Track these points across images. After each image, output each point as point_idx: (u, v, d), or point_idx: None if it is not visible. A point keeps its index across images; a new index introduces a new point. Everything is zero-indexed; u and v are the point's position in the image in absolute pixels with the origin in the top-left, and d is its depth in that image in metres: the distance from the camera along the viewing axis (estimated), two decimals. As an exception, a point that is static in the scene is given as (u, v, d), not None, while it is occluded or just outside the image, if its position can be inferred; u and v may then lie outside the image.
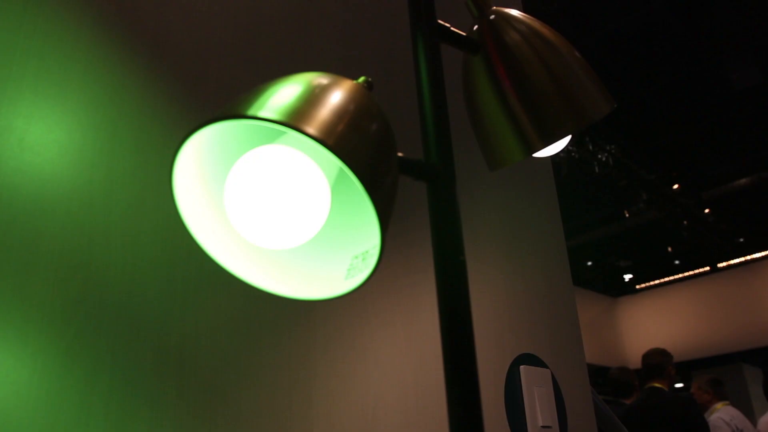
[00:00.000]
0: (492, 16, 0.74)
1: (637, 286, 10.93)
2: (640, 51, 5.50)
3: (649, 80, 5.83)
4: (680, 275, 10.45)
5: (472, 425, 0.49)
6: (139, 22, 0.84)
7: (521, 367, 1.16)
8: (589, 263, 9.82)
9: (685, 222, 8.24)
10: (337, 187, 0.56)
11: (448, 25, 0.68)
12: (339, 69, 0.59)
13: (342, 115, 0.45)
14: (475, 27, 0.74)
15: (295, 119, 0.42)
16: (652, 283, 10.80)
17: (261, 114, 0.42)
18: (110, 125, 0.77)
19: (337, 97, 0.47)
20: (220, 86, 0.91)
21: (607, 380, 3.52)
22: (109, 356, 0.69)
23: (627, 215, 8.29)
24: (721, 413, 3.57)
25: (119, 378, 0.69)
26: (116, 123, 0.78)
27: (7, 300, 0.63)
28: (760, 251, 9.69)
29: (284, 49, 1.03)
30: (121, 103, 0.79)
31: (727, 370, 9.55)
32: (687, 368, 10.25)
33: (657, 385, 3.15)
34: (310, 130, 0.42)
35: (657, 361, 3.20)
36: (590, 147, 6.49)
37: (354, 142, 0.44)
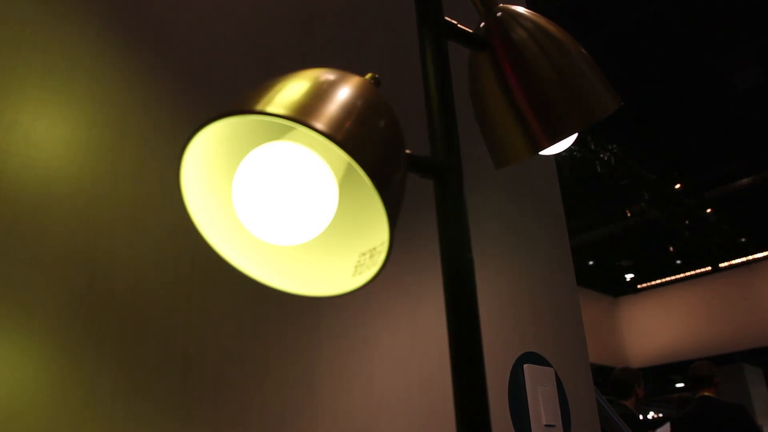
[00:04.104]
0: (499, 14, 0.73)
1: (639, 286, 10.92)
2: (643, 50, 5.49)
3: (652, 79, 5.82)
4: (681, 275, 10.44)
5: (479, 422, 0.49)
6: (144, 18, 0.84)
7: (525, 365, 1.16)
8: (591, 263, 9.82)
9: (686, 222, 8.23)
10: (344, 184, 0.56)
11: (454, 22, 0.68)
12: (345, 66, 0.58)
13: (350, 110, 0.45)
14: (482, 24, 0.74)
15: (303, 114, 0.42)
16: (653, 282, 10.79)
17: (269, 109, 0.42)
18: (116, 121, 0.77)
19: (344, 93, 0.47)
20: (225, 83, 0.90)
21: (609, 380, 3.52)
22: (115, 352, 0.69)
23: (629, 215, 8.28)
24: (661, 428, 3.79)
25: (124, 374, 0.68)
26: (122, 119, 0.77)
27: (13, 295, 0.63)
28: (761, 251, 9.68)
29: (290, 45, 1.03)
30: (126, 99, 0.79)
31: (727, 370, 9.55)
32: (688, 368, 10.22)
33: (707, 394, 3.45)
34: (319, 125, 0.42)
35: (705, 372, 3.52)
36: (592, 146, 6.48)
37: (362, 138, 0.44)
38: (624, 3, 4.98)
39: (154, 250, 0.76)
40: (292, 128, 0.52)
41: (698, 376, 3.54)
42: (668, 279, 10.63)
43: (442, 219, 0.55)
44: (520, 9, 0.75)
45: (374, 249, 0.50)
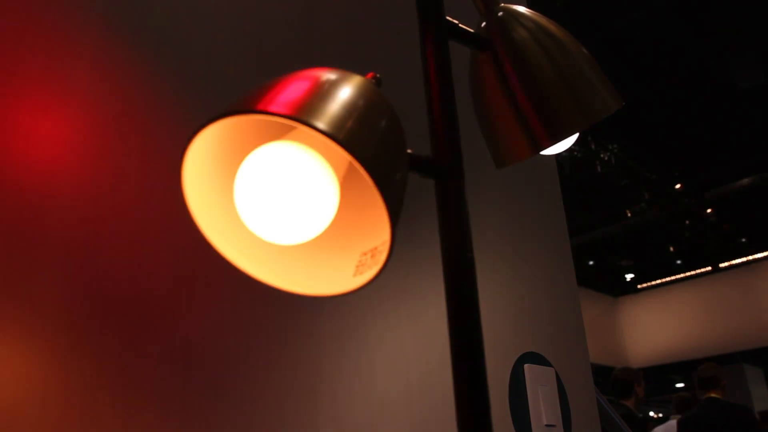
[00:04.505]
0: (500, 13, 0.73)
1: (639, 286, 10.93)
2: (644, 50, 5.49)
3: (653, 80, 5.82)
4: (682, 275, 10.44)
5: (480, 422, 0.49)
6: (145, 18, 0.84)
7: (526, 365, 1.16)
8: (591, 263, 9.82)
9: (687, 222, 8.23)
10: (346, 183, 0.56)
11: (456, 21, 0.68)
12: (346, 65, 0.58)
13: (351, 110, 0.45)
14: (483, 24, 0.74)
15: (305, 114, 0.42)
16: (653, 282, 10.79)
17: (271, 109, 0.42)
18: (116, 121, 0.77)
19: (346, 92, 0.47)
20: (227, 83, 0.90)
21: (610, 380, 3.53)
22: (115, 352, 0.68)
23: (629, 215, 8.29)
24: (661, 426, 3.85)
25: (126, 373, 0.68)
26: (122, 119, 0.77)
27: (14, 296, 0.63)
28: (761, 251, 9.68)
29: (291, 45, 1.03)
30: (127, 99, 0.79)
31: (727, 370, 9.53)
32: (688, 368, 10.22)
33: (714, 395, 3.50)
34: (320, 125, 0.42)
35: (711, 374, 3.57)
36: (593, 146, 6.49)
37: (364, 137, 0.44)
38: (624, 3, 4.98)
39: (154, 250, 0.75)
40: (293, 128, 0.52)
41: (704, 378, 3.60)
42: (668, 279, 10.63)
43: (443, 219, 0.55)
44: (521, 9, 0.75)
45: (375, 249, 0.50)
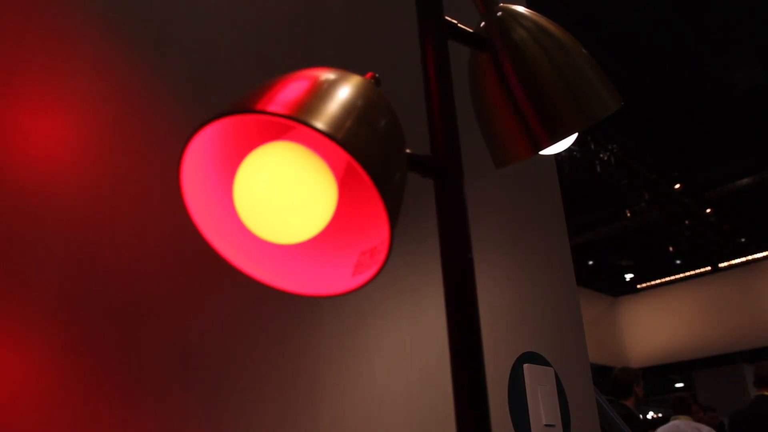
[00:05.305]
0: (499, 13, 0.73)
1: (638, 286, 10.93)
2: (643, 50, 5.49)
3: (652, 79, 5.82)
4: (681, 275, 10.45)
5: (479, 422, 0.49)
6: (145, 17, 0.84)
7: (525, 365, 1.16)
8: (591, 263, 9.82)
9: (686, 222, 8.24)
10: (345, 183, 0.56)
11: (455, 21, 0.68)
12: (346, 65, 0.58)
13: (351, 110, 0.45)
14: (483, 24, 0.74)
15: (304, 114, 0.42)
16: (653, 282, 10.80)
17: (270, 109, 0.42)
18: (116, 121, 0.77)
19: (345, 92, 0.47)
20: (226, 83, 0.90)
21: (609, 380, 3.53)
22: (114, 352, 0.68)
23: (628, 215, 8.29)
24: (664, 426, 3.83)
25: (124, 374, 0.68)
26: (122, 119, 0.77)
27: (12, 295, 0.63)
28: (761, 251, 9.69)
29: (290, 45, 1.03)
30: (127, 99, 0.79)
31: (727, 370, 9.56)
32: (687, 368, 10.24)
33: (766, 393, 3.57)
34: (319, 124, 0.42)
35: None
36: (592, 146, 6.49)
37: (363, 137, 0.44)
38: (624, 3, 4.98)
39: (154, 250, 0.75)
40: (292, 127, 0.52)
41: (762, 375, 3.63)
42: (668, 279, 10.64)
43: (442, 219, 0.55)
44: (521, 8, 0.75)
45: (374, 248, 0.50)
